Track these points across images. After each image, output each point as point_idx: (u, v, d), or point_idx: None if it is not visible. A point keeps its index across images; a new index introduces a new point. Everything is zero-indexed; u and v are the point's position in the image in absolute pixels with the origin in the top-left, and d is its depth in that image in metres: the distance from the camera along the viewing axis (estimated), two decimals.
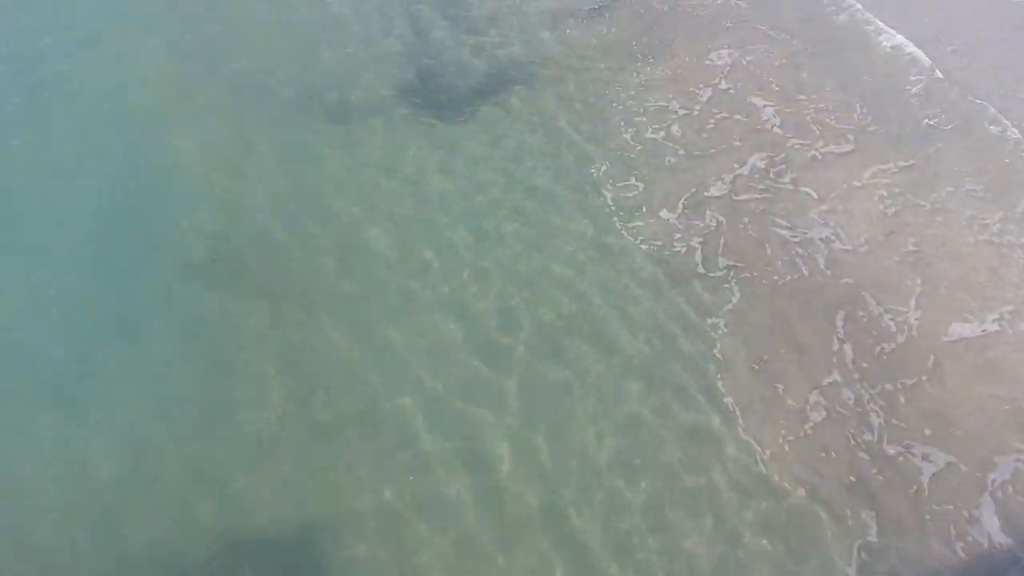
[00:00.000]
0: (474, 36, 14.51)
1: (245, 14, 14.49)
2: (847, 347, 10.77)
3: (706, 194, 12.32)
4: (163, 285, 10.72)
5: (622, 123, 13.31)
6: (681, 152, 12.90)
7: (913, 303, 10.90)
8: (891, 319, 10.88)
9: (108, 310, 10.51)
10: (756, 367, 10.48)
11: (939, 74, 14.52)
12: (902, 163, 12.89)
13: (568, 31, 14.80)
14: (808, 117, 13.46)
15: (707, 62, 14.30)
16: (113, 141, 12.31)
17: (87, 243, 11.17)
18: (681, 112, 13.44)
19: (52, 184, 11.79)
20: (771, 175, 12.51)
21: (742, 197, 12.30)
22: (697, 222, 11.97)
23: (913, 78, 14.43)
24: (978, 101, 14.07)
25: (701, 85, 13.85)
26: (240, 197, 11.76)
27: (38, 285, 10.74)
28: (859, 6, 15.83)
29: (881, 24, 15.49)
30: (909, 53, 14.99)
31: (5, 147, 12.18)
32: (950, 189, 12.61)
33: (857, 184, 12.29)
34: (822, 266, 11.34)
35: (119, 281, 10.84)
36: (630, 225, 11.88)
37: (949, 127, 13.70)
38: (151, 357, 10.12)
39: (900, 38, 15.29)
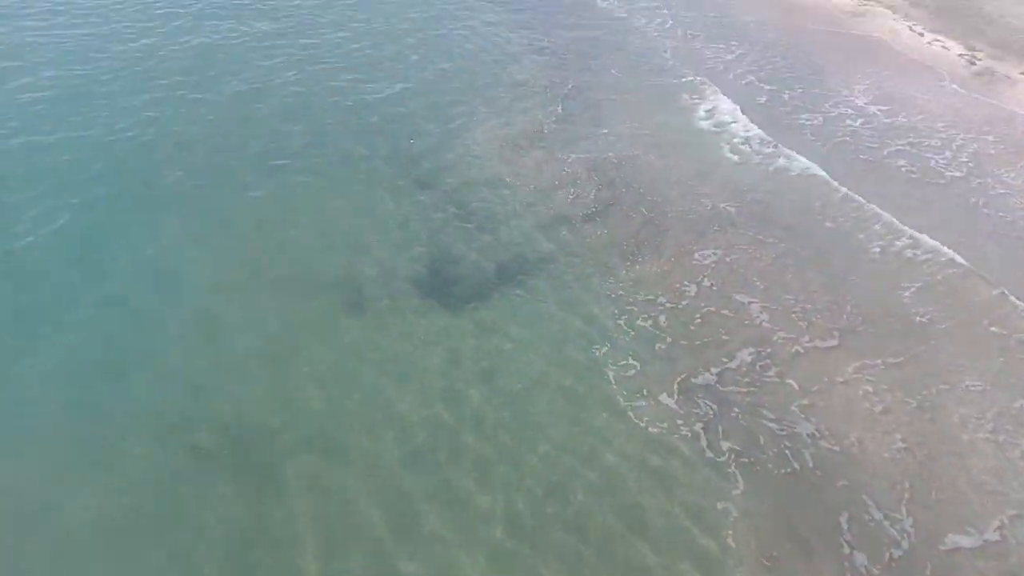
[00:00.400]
0: (489, 233, 15.60)
1: (291, 214, 15.85)
2: (857, 553, 10.17)
3: (694, 381, 12.43)
4: (173, 477, 10.70)
5: (615, 311, 13.83)
6: (670, 340, 13.26)
7: (904, 510, 10.39)
8: (890, 525, 10.32)
9: (118, 500, 10.43)
10: (767, 563, 9.92)
11: (935, 275, 15.05)
12: (891, 360, 12.95)
13: (565, 231, 15.86)
14: (793, 315, 13.85)
15: (693, 261, 15.09)
16: (149, 328, 13.00)
17: (98, 427, 11.42)
18: (668, 305, 13.98)
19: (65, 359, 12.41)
20: (756, 368, 12.64)
21: (730, 388, 12.35)
22: (695, 409, 11.97)
23: (905, 283, 14.94)
24: (975, 300, 14.40)
25: (687, 282, 14.49)
26: (274, 380, 12.15)
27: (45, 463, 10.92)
28: (857, 210, 16.83)
29: (877, 228, 16.36)
30: (904, 254, 15.65)
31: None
32: (944, 387, 12.51)
33: (840, 379, 12.31)
34: (811, 465, 11.04)
35: (130, 471, 10.80)
36: (635, 405, 11.94)
37: (944, 325, 13.92)
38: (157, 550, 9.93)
39: (897, 241, 16.05)
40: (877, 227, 16.49)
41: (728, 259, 15.12)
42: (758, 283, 14.57)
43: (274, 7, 24.53)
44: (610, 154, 18.41)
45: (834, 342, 13.21)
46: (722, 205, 16.96)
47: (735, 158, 18.84)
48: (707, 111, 20.78)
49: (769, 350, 13.04)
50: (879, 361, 12.88)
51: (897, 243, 16.03)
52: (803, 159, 18.78)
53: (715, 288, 14.39)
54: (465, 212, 16.13)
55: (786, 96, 21.68)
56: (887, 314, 14.10)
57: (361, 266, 14.48)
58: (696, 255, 15.26)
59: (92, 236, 14.64)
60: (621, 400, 12.07)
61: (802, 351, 12.94)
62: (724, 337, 13.37)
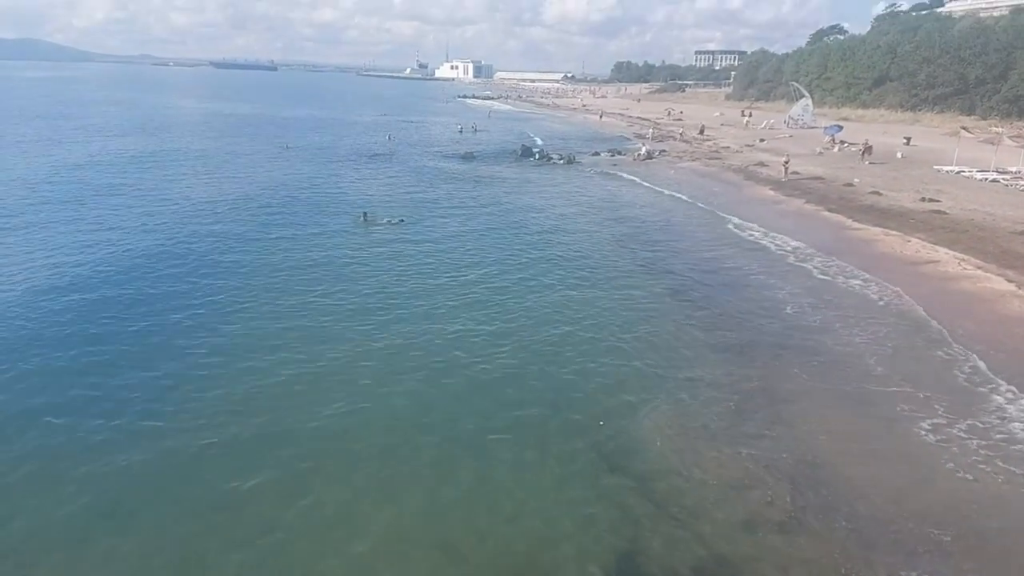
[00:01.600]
0: (676, 531, 15.03)
1: (478, 490, 16.64)
2: None
3: None
4: None
5: None
6: None
7: None
8: None
9: None
10: None
11: None
12: None
13: (759, 537, 14.85)
14: None
15: None
16: None
17: None
18: None
19: None
20: None
21: None
22: None
23: None
24: None
25: None
26: None
27: None
28: None
29: None
30: None
31: None
32: None
33: None
34: None
35: None
36: None
37: None
38: None
39: None
40: None
41: None
42: None
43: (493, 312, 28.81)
44: (785, 455, 17.73)
45: None
46: (934, 529, 15.14)
47: (965, 476, 16.87)
48: (927, 423, 19.21)
49: None
50: None
51: None
52: None
53: None
54: (649, 504, 15.93)
55: (1018, 411, 19.84)
56: None
57: (546, 552, 14.55)
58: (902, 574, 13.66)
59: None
60: None
61: None
62: None
